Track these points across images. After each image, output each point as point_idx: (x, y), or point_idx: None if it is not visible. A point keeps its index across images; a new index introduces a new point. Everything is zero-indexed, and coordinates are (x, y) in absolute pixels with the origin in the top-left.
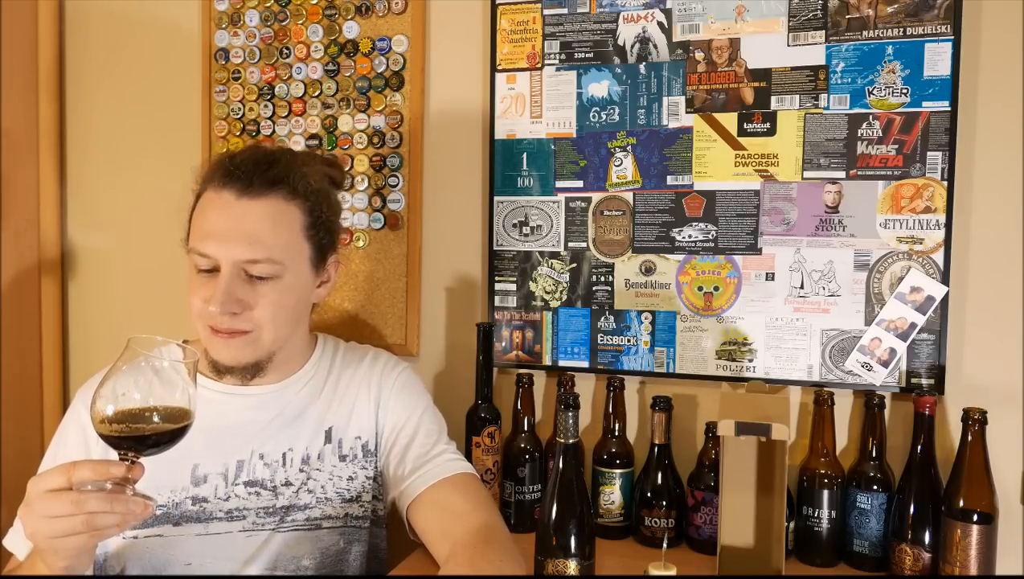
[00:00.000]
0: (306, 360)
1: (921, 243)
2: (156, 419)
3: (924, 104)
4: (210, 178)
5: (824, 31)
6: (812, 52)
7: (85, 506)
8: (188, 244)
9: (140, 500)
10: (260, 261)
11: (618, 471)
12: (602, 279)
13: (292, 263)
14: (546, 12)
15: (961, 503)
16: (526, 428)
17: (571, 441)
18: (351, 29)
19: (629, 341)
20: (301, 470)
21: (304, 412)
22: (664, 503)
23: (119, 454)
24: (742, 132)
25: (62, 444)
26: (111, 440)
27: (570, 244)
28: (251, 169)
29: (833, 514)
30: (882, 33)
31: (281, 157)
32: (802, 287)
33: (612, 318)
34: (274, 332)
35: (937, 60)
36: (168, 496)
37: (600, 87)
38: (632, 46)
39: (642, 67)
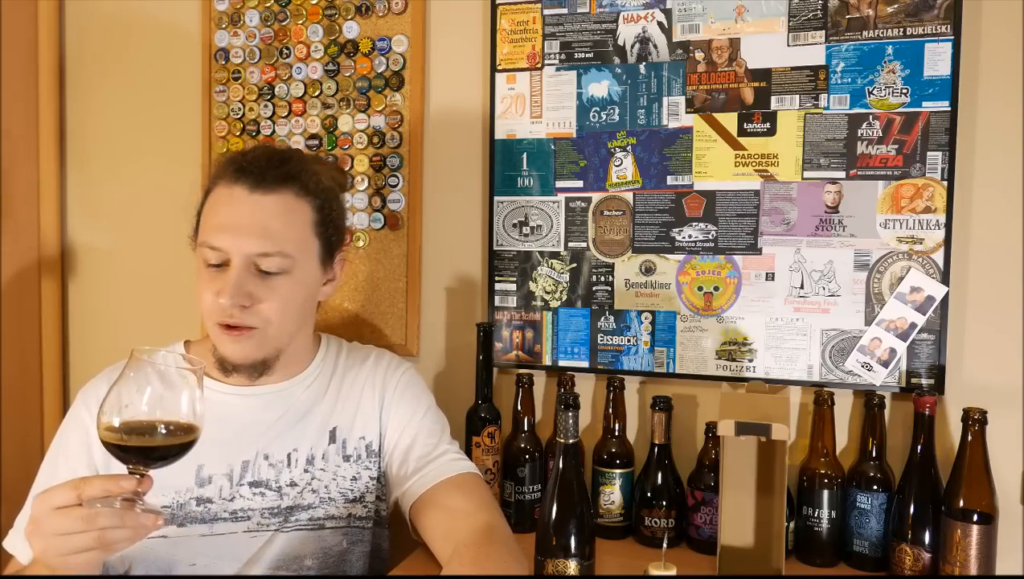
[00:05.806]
0: (311, 360)
1: (921, 243)
2: (163, 431)
3: (924, 104)
4: (221, 174)
5: (824, 31)
6: (812, 52)
7: (96, 522)
8: (197, 239)
9: (151, 514)
10: (272, 254)
11: (618, 471)
12: (602, 279)
13: (302, 259)
14: (546, 12)
15: (961, 503)
16: (526, 428)
17: (571, 441)
18: (351, 29)
19: (629, 341)
20: (306, 470)
21: (309, 412)
22: (664, 503)
23: (128, 468)
24: (742, 132)
25: (63, 446)
26: (117, 451)
27: (570, 244)
28: (263, 165)
29: (833, 514)
30: (882, 33)
31: (293, 155)
32: (802, 287)
33: (612, 318)
34: (281, 328)
35: (937, 60)
36: (173, 497)
37: (600, 87)
38: (632, 46)
39: (642, 67)
